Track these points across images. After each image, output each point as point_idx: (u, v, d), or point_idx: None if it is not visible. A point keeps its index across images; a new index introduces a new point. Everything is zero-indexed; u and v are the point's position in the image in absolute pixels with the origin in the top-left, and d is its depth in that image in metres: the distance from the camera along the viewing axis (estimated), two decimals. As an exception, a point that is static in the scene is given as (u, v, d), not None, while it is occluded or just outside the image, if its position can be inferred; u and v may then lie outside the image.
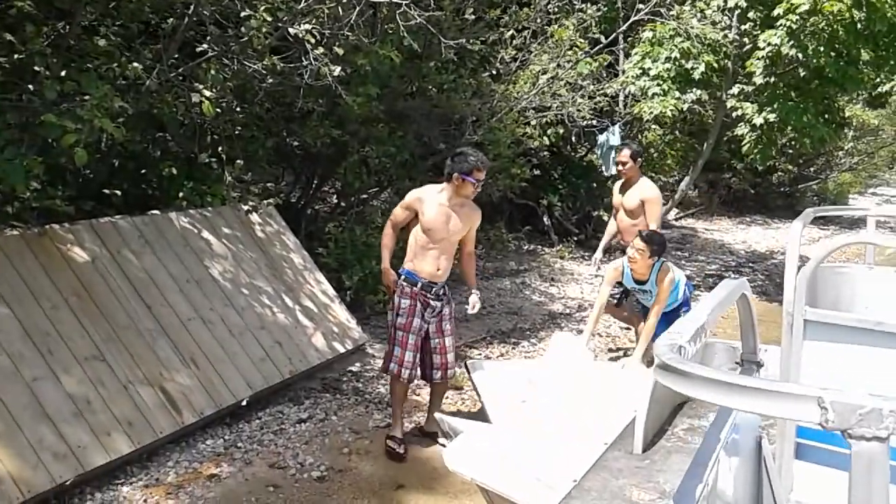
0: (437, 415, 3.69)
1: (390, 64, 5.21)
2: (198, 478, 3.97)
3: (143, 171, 5.48)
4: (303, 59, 4.31)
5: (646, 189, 6.01)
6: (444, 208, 4.37)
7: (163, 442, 4.17)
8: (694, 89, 9.54)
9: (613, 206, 6.26)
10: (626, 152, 6.00)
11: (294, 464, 4.22)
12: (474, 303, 4.62)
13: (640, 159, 6.08)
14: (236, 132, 5.35)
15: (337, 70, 4.17)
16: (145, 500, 3.72)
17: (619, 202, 6.13)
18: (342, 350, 5.65)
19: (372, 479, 4.18)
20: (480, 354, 6.25)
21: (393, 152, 6.29)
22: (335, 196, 8.00)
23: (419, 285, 4.41)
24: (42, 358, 3.88)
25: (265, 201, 5.80)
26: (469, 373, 4.53)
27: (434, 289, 4.44)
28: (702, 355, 3.06)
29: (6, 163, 3.60)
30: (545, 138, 8.34)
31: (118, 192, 5.39)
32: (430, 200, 4.39)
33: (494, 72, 7.77)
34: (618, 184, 6.30)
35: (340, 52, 4.20)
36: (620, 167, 6.03)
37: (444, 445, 3.88)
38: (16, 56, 4.18)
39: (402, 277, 4.44)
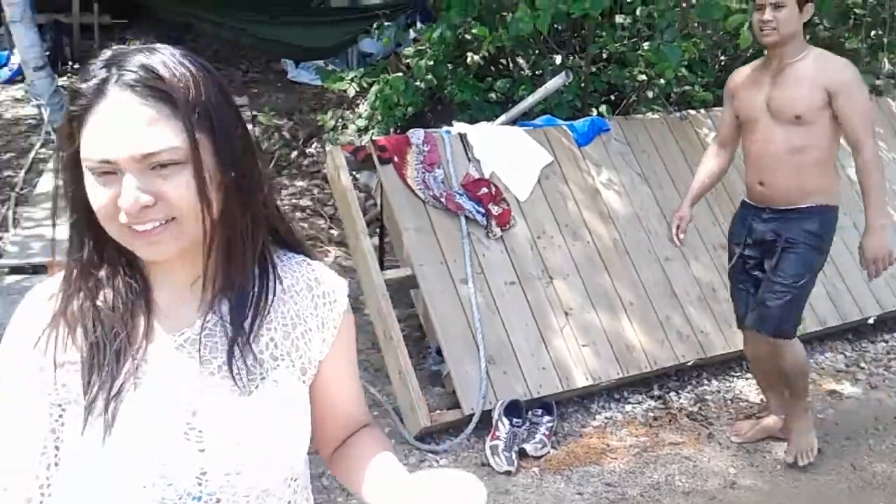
0: None
1: None
2: (817, 391, 3.71)
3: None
4: None
5: (834, 69, 2.85)
6: None
7: (779, 344, 4.00)
8: None
9: (737, 112, 3.07)
10: None
11: (930, 402, 3.65)
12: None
13: (809, 4, 2.87)
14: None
15: None
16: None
17: (756, 102, 2.96)
18: None
19: None
20: None
21: None
22: None
23: None
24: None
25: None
26: None
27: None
28: None
29: (666, 45, 3.67)
30: None
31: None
32: None
33: None
34: (745, 71, 3.11)
35: None
36: (769, 20, 2.79)
37: None
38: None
39: None
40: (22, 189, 5.09)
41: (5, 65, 7.24)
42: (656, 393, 3.66)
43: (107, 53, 0.91)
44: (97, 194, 0.89)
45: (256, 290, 0.99)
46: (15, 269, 4.20)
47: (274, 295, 1.01)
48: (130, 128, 0.86)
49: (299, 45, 6.70)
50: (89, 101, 0.87)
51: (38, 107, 5.91)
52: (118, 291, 0.96)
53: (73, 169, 0.92)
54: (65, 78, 6.63)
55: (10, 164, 5.43)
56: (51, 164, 5.18)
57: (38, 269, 4.13)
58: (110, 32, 7.84)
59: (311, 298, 1.05)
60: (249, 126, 5.73)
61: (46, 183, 5.07)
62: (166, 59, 0.90)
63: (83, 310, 0.95)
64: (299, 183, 5.33)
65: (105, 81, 0.87)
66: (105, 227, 0.91)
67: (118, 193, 0.87)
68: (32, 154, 5.46)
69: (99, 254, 0.96)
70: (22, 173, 5.24)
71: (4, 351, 0.99)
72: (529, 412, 3.27)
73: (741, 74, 3.12)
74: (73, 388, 0.94)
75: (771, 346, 3.03)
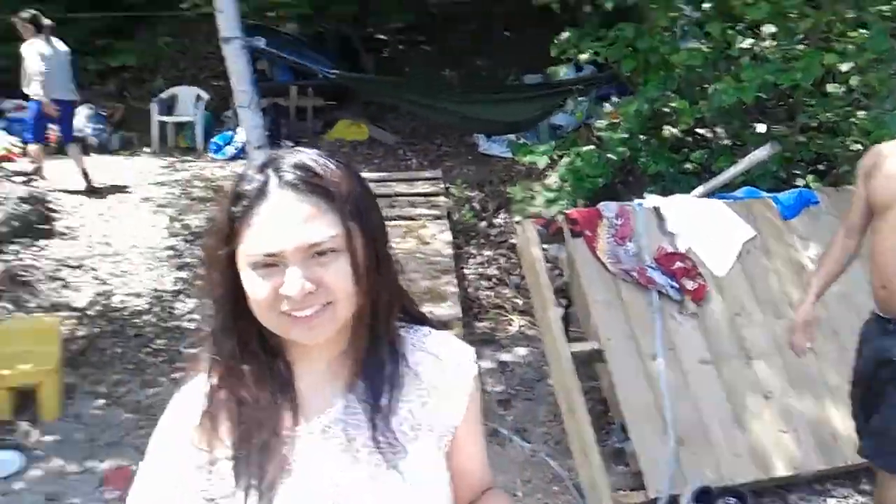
0: None
1: None
2: None
3: None
4: None
5: None
6: None
7: None
8: None
9: (871, 195, 2.52)
10: None
11: None
12: None
13: None
14: None
15: None
16: None
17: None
18: None
19: None
20: None
21: None
22: None
23: None
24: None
25: None
26: None
27: None
28: None
29: (886, 113, 3.41)
30: None
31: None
32: None
33: None
34: (887, 148, 2.50)
35: None
36: None
37: None
38: None
39: None
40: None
41: (230, 143, 8.09)
42: (865, 487, 3.27)
43: (259, 159, 0.99)
44: (258, 287, 0.94)
45: (390, 365, 1.03)
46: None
47: (406, 368, 1.04)
48: (295, 223, 0.93)
49: (498, 121, 6.93)
50: (251, 202, 0.94)
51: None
52: (262, 384, 1.00)
53: (226, 269, 0.97)
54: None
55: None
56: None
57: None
58: (322, 113, 8.55)
59: (442, 367, 1.07)
60: (443, 198, 5.98)
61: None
62: (315, 158, 0.98)
63: (229, 405, 1.00)
64: (486, 252, 5.43)
65: (265, 183, 0.95)
66: (263, 317, 0.96)
67: (279, 284, 0.93)
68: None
69: (242, 348, 1.00)
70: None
71: (156, 450, 1.04)
72: (721, 500, 3.03)
73: (882, 151, 2.54)
74: (229, 483, 0.98)
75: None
